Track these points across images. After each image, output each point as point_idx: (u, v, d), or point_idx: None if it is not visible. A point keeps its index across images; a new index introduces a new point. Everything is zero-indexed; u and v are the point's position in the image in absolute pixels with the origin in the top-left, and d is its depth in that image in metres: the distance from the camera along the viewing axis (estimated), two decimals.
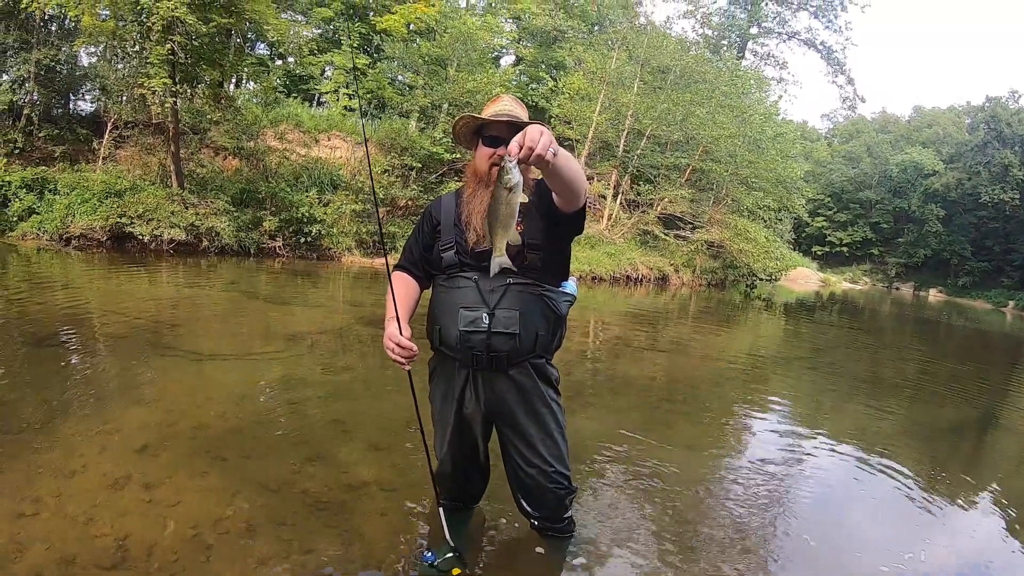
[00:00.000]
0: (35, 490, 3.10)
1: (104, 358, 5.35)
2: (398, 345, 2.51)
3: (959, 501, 4.37)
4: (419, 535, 3.20)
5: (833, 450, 5.16)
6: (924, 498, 4.33)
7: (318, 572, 2.83)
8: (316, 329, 7.73)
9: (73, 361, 5.18)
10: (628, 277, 20.42)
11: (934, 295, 44.59)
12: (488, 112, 2.70)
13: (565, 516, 3.05)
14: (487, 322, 2.61)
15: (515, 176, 2.22)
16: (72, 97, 15.77)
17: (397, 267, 2.91)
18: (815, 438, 5.42)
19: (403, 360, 2.53)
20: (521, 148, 2.16)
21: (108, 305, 7.43)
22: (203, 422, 4.25)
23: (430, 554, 2.78)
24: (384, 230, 16.51)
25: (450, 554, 2.74)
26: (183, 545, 2.86)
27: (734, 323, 14.54)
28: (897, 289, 46.87)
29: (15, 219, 12.16)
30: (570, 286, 2.84)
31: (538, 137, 2.15)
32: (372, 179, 3.70)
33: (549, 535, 3.11)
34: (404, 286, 2.84)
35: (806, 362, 9.37)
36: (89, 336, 5.85)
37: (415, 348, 2.51)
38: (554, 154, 2.20)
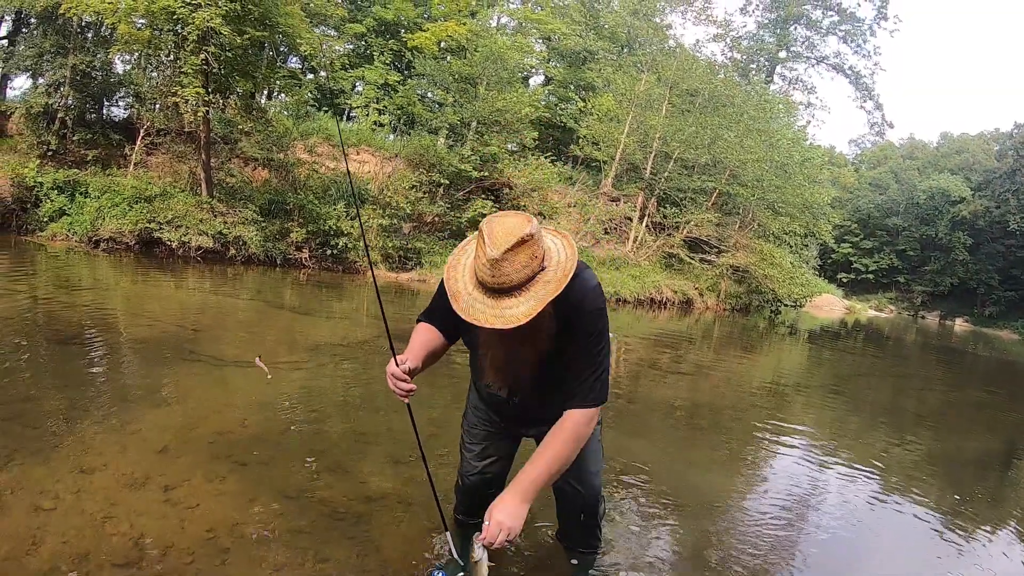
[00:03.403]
0: (54, 485, 3.10)
1: (128, 360, 5.38)
2: (393, 376, 2.38)
3: (983, 534, 4.25)
4: (434, 551, 3.17)
5: (855, 480, 5.05)
6: (948, 530, 4.22)
7: None
8: (340, 341, 7.74)
9: (97, 361, 5.21)
10: (652, 300, 20.31)
11: (960, 324, 43.91)
12: (484, 252, 2.08)
13: (597, 533, 3.07)
14: (515, 401, 2.61)
15: (478, 554, 2.33)
16: (106, 103, 16.00)
17: (421, 317, 2.67)
18: (837, 467, 5.32)
19: (401, 393, 2.41)
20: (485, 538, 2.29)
21: (134, 308, 7.49)
22: (223, 427, 4.24)
23: (441, 574, 2.75)
24: (410, 245, 16.57)
25: (461, 573, 2.71)
26: (199, 547, 2.84)
27: (758, 349, 14.39)
28: (923, 318, 46.21)
29: (46, 220, 12.33)
30: None
31: (496, 536, 2.27)
32: (354, 187, 3.68)
33: (579, 551, 3.11)
34: (423, 333, 2.60)
35: (829, 390, 9.24)
36: (114, 337, 5.89)
37: (412, 386, 2.39)
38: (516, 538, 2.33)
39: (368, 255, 3.36)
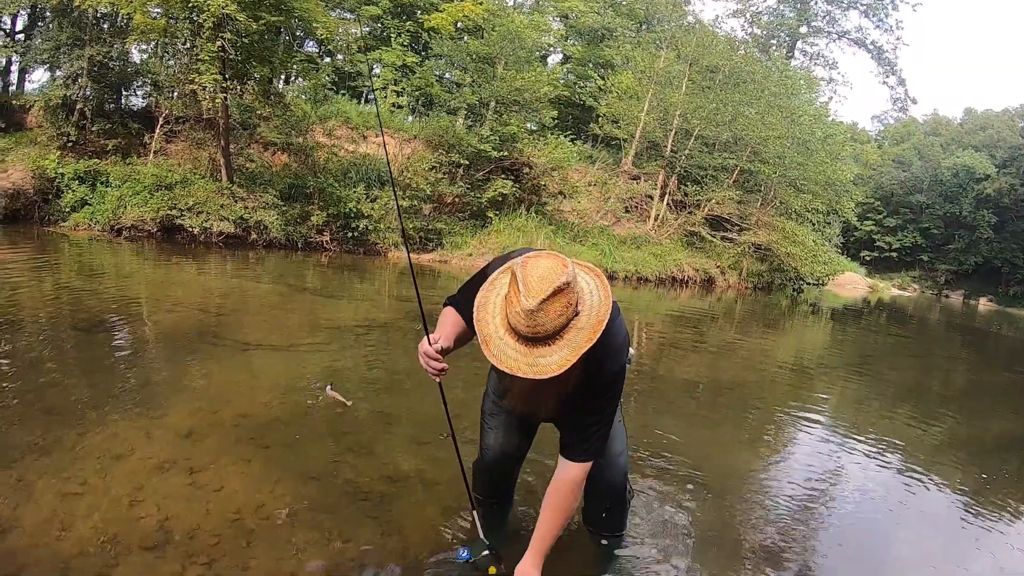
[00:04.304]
0: (82, 471, 3.13)
1: (152, 345, 5.42)
2: (426, 355, 2.38)
3: (1007, 517, 4.18)
4: (457, 531, 3.17)
5: (877, 460, 5.01)
6: (971, 513, 4.17)
7: (356, 561, 2.81)
8: (362, 322, 7.77)
9: (122, 347, 5.25)
10: (674, 278, 20.19)
11: (984, 304, 43.15)
12: (519, 301, 2.01)
13: (624, 515, 3.13)
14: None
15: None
16: (124, 92, 16.07)
17: (449, 301, 2.63)
18: (859, 447, 5.28)
19: (433, 372, 2.40)
20: None
21: (157, 294, 7.55)
22: (247, 410, 4.27)
23: (466, 552, 2.75)
24: (431, 226, 16.56)
25: (486, 552, 2.71)
26: (224, 529, 2.86)
27: (780, 327, 14.28)
28: (946, 297, 45.50)
29: (68, 210, 12.45)
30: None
31: None
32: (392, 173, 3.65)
33: (605, 534, 3.14)
34: (453, 316, 2.55)
35: (852, 369, 9.14)
36: (138, 324, 5.94)
37: (444, 366, 2.39)
38: None
39: (403, 230, 3.37)
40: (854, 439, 5.50)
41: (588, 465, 2.44)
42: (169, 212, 12.61)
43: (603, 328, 2.05)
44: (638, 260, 19.38)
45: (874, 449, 5.24)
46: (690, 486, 4.03)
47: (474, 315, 2.15)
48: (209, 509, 3.00)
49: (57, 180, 12.64)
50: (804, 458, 4.93)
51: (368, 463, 3.77)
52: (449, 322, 2.49)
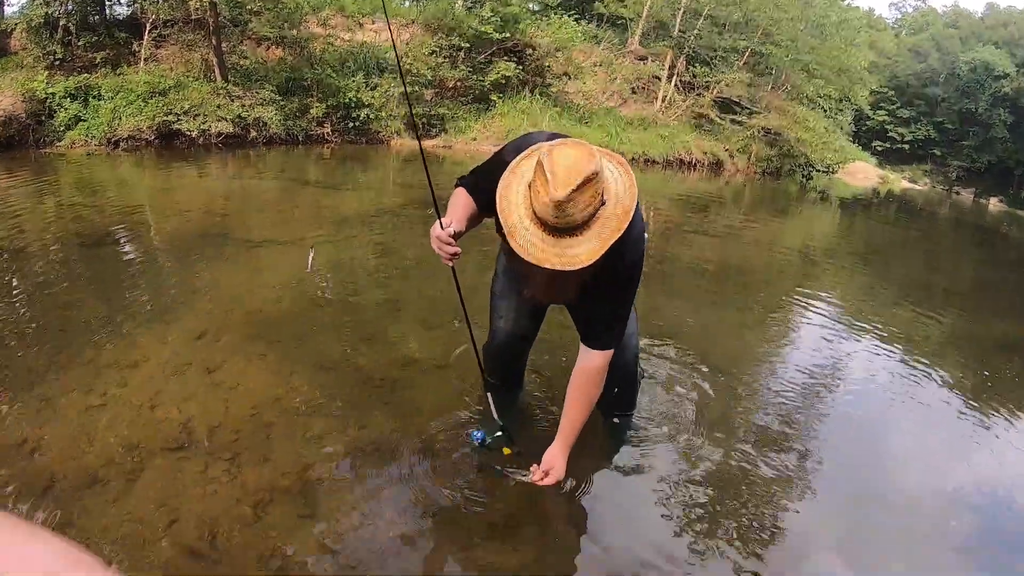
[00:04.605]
0: (101, 383, 3.20)
1: (159, 252, 5.45)
2: (439, 240, 2.30)
3: (1007, 416, 4.18)
4: (470, 413, 3.25)
5: (881, 351, 5.01)
6: (971, 409, 4.18)
7: (372, 446, 2.90)
8: (367, 212, 7.74)
9: (129, 257, 5.29)
10: (681, 161, 19.70)
11: (994, 204, 41.37)
12: (547, 192, 1.95)
13: (635, 394, 3.23)
14: None
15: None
16: (107, 2, 15.44)
17: (461, 183, 2.54)
18: (864, 336, 5.28)
19: (446, 257, 2.34)
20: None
21: (160, 202, 7.53)
22: (258, 307, 4.32)
23: (479, 433, 2.81)
24: (433, 112, 16.20)
25: (499, 433, 2.77)
26: (243, 424, 2.95)
27: (788, 214, 14.07)
28: (957, 194, 43.71)
29: (62, 129, 12.22)
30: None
31: (542, 479, 2.49)
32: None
33: (616, 412, 3.24)
34: (464, 198, 2.47)
35: (859, 259, 9.03)
36: (144, 232, 5.95)
37: (457, 250, 2.32)
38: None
39: (412, 114, 3.28)
40: (859, 328, 5.51)
41: (610, 353, 2.45)
42: (165, 118, 12.37)
43: (630, 218, 2.02)
44: (645, 142, 18.92)
45: (878, 339, 5.24)
46: (697, 368, 4.10)
47: (497, 204, 2.11)
48: (228, 406, 3.09)
49: (48, 100, 12.35)
50: (809, 344, 4.98)
51: (380, 351, 3.83)
52: (460, 204, 2.43)
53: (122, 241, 5.58)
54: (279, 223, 6.77)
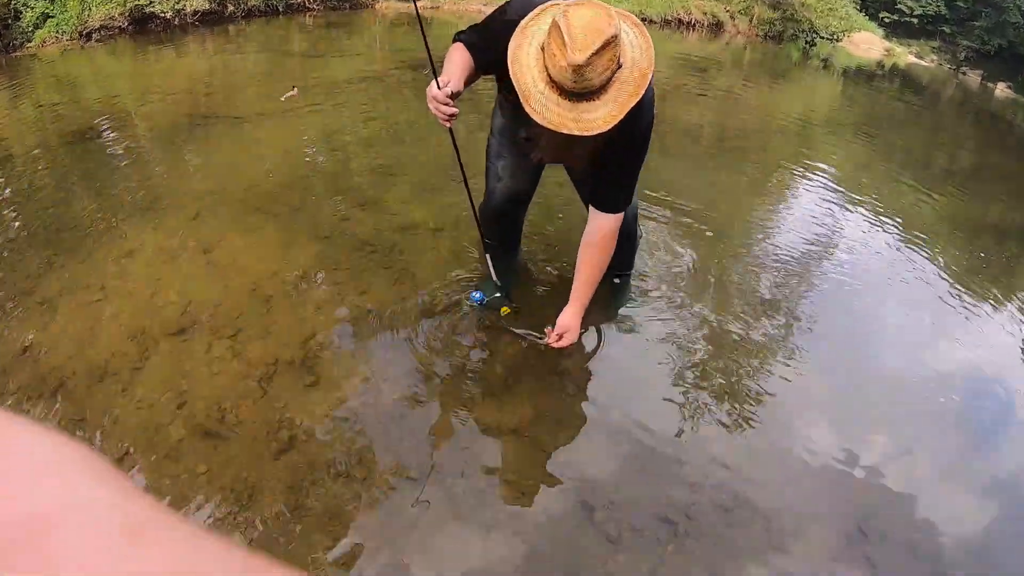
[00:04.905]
0: (99, 277, 3.17)
1: (145, 140, 5.31)
2: (435, 99, 2.19)
3: (998, 299, 4.07)
4: (468, 274, 3.22)
5: (876, 224, 4.85)
6: (963, 291, 4.06)
7: (373, 311, 2.88)
8: (356, 78, 7.46)
9: (114, 149, 5.14)
10: (680, 20, 18.58)
11: (1001, 89, 38.78)
12: (565, 56, 1.86)
13: (634, 253, 3.25)
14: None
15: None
16: None
17: (459, 38, 2.37)
18: (859, 208, 5.10)
19: (444, 118, 2.24)
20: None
21: (140, 88, 7.28)
22: (251, 182, 4.23)
23: (478, 293, 2.82)
24: None
25: (498, 293, 2.77)
26: (244, 301, 2.94)
27: (789, 79, 13.36)
28: (964, 74, 40.91)
29: (31, 28, 11.69)
30: None
31: (557, 340, 2.52)
32: None
33: (616, 272, 3.21)
34: (461, 54, 2.32)
35: (858, 130, 8.56)
36: (127, 121, 5.77)
37: (455, 110, 2.21)
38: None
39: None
40: (855, 200, 5.31)
41: (621, 216, 2.43)
42: (137, 2, 11.81)
43: (648, 82, 1.97)
44: (643, 0, 17.87)
45: (873, 213, 5.07)
46: (693, 229, 4.08)
47: (509, 66, 2.02)
48: (227, 285, 3.07)
49: (11, 2, 11.86)
50: (806, 213, 4.85)
51: (376, 216, 3.77)
52: (458, 63, 2.30)
53: (106, 134, 5.42)
54: (265, 97, 6.53)
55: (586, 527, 2.12)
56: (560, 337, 2.51)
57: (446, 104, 2.18)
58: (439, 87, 2.16)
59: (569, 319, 2.52)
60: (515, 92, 2.01)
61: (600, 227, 2.42)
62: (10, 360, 2.61)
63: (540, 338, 2.63)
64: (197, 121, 5.56)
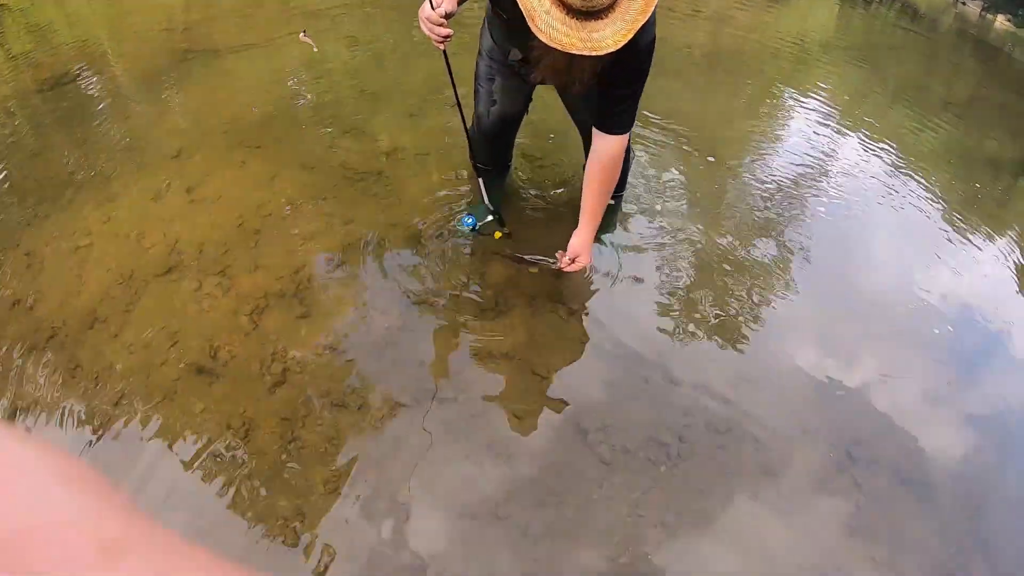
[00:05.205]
0: (83, 224, 3.11)
1: (123, 81, 5.17)
2: (428, 20, 2.12)
3: (991, 231, 3.94)
4: (458, 198, 3.16)
5: (869, 151, 4.68)
6: (956, 221, 3.93)
7: (361, 240, 2.84)
8: (337, 3, 7.22)
9: (92, 93, 5.01)
10: None
11: (1001, 21, 36.79)
12: None
13: (626, 174, 3.22)
14: None
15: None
16: None
17: None
18: (853, 135, 4.92)
19: (438, 40, 2.17)
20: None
21: (115, 28, 7.07)
22: (234, 115, 4.12)
23: (470, 218, 2.77)
24: None
25: (490, 217, 2.73)
26: (230, 236, 2.89)
27: (784, 3, 12.88)
28: (963, 3, 39.10)
29: None
30: None
31: (569, 264, 2.52)
32: None
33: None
34: None
35: (855, 54, 8.20)
36: (104, 63, 5.60)
37: (449, 31, 2.14)
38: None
39: None
40: (848, 126, 5.12)
41: (626, 137, 2.37)
42: None
43: (655, 2, 1.88)
44: None
45: (867, 140, 4.89)
46: (686, 151, 4.01)
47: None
48: (213, 221, 3.02)
49: None
50: (799, 137, 4.70)
51: (362, 144, 3.69)
52: None
53: (82, 78, 5.28)
54: (245, 27, 6.34)
55: (580, 449, 2.13)
56: (572, 261, 2.50)
57: (440, 25, 2.11)
58: (432, 7, 2.09)
59: (581, 242, 2.50)
60: (511, 12, 1.93)
61: (608, 148, 2.36)
62: (0, 314, 2.58)
63: (553, 263, 2.59)
64: (176, 58, 5.41)
